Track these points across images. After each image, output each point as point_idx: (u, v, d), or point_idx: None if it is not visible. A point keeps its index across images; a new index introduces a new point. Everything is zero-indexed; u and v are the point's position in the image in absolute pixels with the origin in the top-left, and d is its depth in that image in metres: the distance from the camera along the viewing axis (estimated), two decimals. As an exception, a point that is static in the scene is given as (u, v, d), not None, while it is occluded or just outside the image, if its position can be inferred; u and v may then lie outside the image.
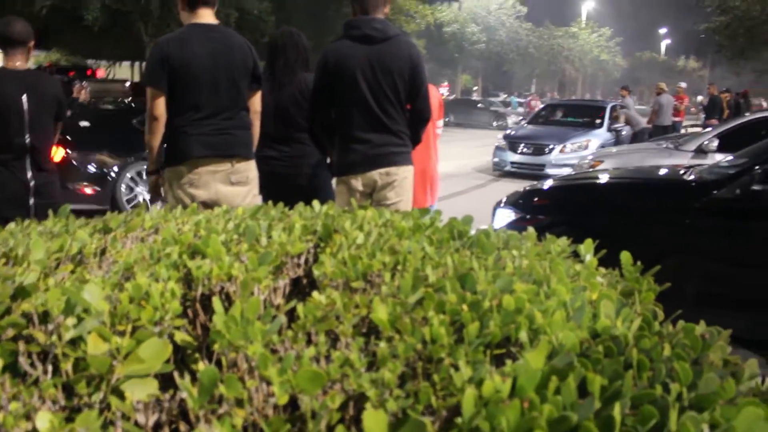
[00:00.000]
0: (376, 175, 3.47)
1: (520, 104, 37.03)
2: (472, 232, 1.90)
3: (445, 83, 54.60)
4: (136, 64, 22.00)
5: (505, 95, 46.77)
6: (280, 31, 4.18)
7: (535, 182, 4.88)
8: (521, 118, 28.25)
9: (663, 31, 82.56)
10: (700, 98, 62.31)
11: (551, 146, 12.18)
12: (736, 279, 3.55)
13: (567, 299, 1.34)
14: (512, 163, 12.51)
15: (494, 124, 29.58)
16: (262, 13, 17.52)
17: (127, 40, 17.22)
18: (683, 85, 15.66)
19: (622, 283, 1.67)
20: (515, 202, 4.38)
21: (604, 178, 4.70)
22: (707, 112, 15.40)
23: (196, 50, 3.33)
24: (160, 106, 3.33)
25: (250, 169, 3.53)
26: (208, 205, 3.34)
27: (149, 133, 3.42)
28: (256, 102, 3.60)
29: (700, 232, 3.62)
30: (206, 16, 3.41)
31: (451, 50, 37.42)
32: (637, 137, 13.10)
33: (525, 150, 12.40)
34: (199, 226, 1.97)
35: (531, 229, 2.01)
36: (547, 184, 4.63)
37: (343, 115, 3.48)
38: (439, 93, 4.32)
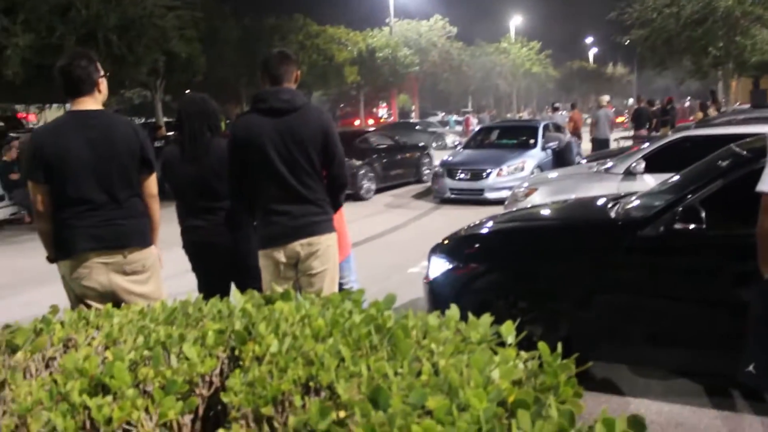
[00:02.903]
0: (298, 246, 3.43)
1: (458, 122, 37.53)
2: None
3: (384, 104, 55.04)
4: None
5: (443, 114, 47.35)
6: (184, 99, 4.12)
7: (468, 224, 4.90)
8: (458, 141, 28.60)
9: (590, 40, 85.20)
10: (630, 101, 64.26)
11: (488, 170, 12.26)
12: (666, 316, 3.60)
13: (481, 412, 1.33)
14: (451, 189, 12.56)
15: (433, 144, 29.87)
16: (191, 56, 17.26)
17: (54, 86, 16.72)
18: (607, 97, 16.12)
19: (541, 376, 1.66)
20: (449, 250, 4.38)
21: (534, 221, 4.75)
22: (635, 124, 15.92)
23: (72, 141, 3.21)
24: (40, 199, 3.25)
25: (146, 257, 3.41)
26: (105, 297, 3.26)
27: (37, 224, 3.35)
28: (150, 185, 3.47)
29: (629, 271, 3.67)
30: (86, 103, 3.29)
31: (385, 74, 37.64)
32: (563, 154, 13.13)
33: (462, 176, 12.47)
34: (110, 337, 1.90)
35: (453, 310, 2.00)
36: (478, 229, 4.65)
37: (260, 188, 3.44)
38: None
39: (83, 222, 3.23)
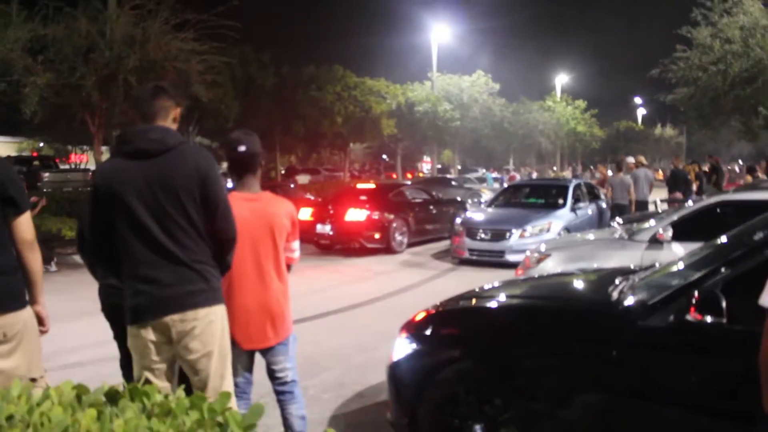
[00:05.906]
0: (170, 322, 2.76)
1: (496, 180, 36.81)
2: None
3: (427, 159, 54.66)
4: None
5: (483, 170, 46.63)
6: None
7: (445, 300, 4.16)
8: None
9: (639, 100, 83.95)
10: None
11: (511, 231, 11.45)
12: (671, 429, 2.83)
13: None
14: (470, 250, 11.70)
15: (469, 201, 29.19)
16: (221, 102, 17.03)
17: (76, 128, 16.86)
18: (641, 158, 15.27)
19: None
20: (416, 329, 3.67)
21: (518, 299, 3.99)
22: (669, 186, 14.91)
23: None
24: None
25: (10, 323, 2.80)
26: None
27: None
28: (21, 230, 2.87)
29: (626, 369, 2.91)
30: None
31: (424, 128, 37.25)
32: (617, 210, 12.97)
33: (483, 236, 11.63)
34: None
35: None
36: (452, 305, 3.94)
37: (125, 249, 2.80)
38: (292, 207, 3.47)
39: None
